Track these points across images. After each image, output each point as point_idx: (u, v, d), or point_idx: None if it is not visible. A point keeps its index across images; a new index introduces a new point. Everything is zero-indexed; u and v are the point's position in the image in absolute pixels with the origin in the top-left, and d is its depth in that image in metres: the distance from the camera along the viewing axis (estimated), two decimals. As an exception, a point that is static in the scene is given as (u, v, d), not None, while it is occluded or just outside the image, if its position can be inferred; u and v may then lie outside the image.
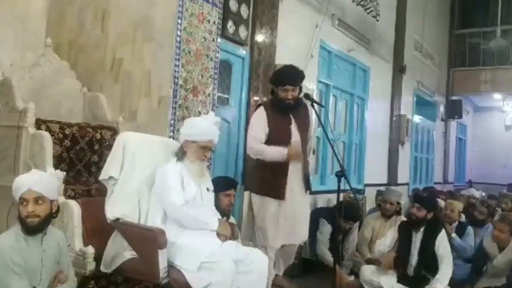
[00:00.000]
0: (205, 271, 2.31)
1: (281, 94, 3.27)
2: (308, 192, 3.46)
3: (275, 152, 3.20)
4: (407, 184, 8.66)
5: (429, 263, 3.74)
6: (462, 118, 11.32)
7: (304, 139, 3.35)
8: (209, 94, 3.70)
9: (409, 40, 8.34)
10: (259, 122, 3.29)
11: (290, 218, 3.30)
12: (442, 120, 10.93)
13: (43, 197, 2.13)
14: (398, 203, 4.57)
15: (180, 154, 2.64)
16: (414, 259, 3.79)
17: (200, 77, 3.61)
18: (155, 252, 2.32)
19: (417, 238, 3.79)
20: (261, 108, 3.35)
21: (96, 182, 3.19)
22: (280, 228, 3.28)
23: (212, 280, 2.27)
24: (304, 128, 3.34)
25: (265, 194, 3.29)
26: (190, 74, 3.52)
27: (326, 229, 4.30)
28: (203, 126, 2.64)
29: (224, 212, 3.02)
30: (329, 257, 4.21)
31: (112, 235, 2.58)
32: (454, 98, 11.15)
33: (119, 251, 2.52)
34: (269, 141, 3.27)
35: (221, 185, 3.05)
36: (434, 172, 10.41)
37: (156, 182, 2.58)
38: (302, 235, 3.45)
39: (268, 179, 3.27)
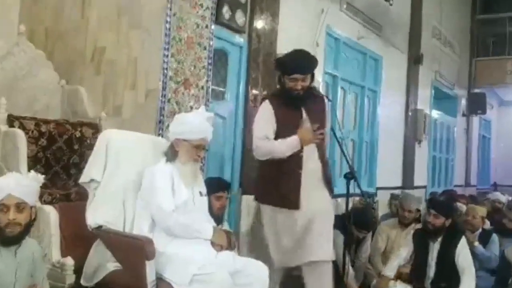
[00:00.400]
0: (198, 284, 2.31)
1: (289, 84, 3.10)
2: (330, 195, 3.25)
3: (285, 144, 3.05)
4: (424, 187, 8.68)
5: (448, 275, 3.74)
6: (486, 113, 11.33)
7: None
8: (202, 87, 3.70)
9: (426, 27, 8.35)
10: (265, 118, 3.14)
11: (307, 231, 3.09)
12: (463, 115, 10.95)
13: (25, 203, 2.12)
14: (418, 210, 4.54)
15: (171, 155, 2.63)
16: (431, 271, 3.79)
17: (192, 68, 3.61)
18: (142, 263, 2.32)
19: (434, 248, 3.79)
20: (266, 102, 3.20)
21: (75, 186, 3.18)
22: (292, 245, 3.10)
23: (205, 294, 2.28)
24: (318, 122, 3.13)
25: (276, 205, 3.14)
26: (181, 64, 3.52)
27: (340, 240, 4.22)
28: (195, 123, 2.62)
29: (216, 216, 3.03)
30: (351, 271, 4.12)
31: (94, 244, 2.58)
32: (476, 91, 11.16)
33: (102, 262, 2.52)
34: (278, 139, 3.12)
35: (212, 186, 3.04)
36: (455, 173, 10.43)
37: (143, 185, 2.59)
38: (323, 250, 3.09)
39: (278, 186, 3.10)
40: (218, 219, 3.09)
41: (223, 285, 2.32)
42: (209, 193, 2.92)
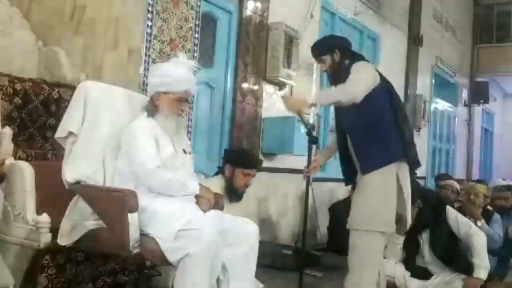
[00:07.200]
0: (183, 240, 2.29)
1: None
2: None
3: None
4: (424, 178, 8.72)
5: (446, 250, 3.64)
6: (489, 102, 11.40)
7: None
8: (189, 50, 3.69)
9: (426, 8, 8.40)
10: None
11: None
12: (465, 105, 11.03)
13: None
14: None
15: (151, 109, 2.60)
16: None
17: (178, 28, 3.60)
18: (125, 217, 2.30)
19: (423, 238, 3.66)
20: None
21: (52, 149, 3.17)
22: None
23: (190, 250, 2.26)
24: None
25: None
26: (167, 23, 3.51)
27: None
28: (177, 73, 2.58)
29: (237, 192, 3.12)
30: None
31: (71, 202, 2.55)
32: (479, 79, 11.24)
33: (80, 221, 2.49)
34: None
35: (244, 161, 3.12)
36: (456, 166, 10.49)
37: (124, 143, 2.54)
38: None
39: None
40: (238, 196, 3.16)
41: (210, 242, 2.30)
42: (237, 165, 3.06)
